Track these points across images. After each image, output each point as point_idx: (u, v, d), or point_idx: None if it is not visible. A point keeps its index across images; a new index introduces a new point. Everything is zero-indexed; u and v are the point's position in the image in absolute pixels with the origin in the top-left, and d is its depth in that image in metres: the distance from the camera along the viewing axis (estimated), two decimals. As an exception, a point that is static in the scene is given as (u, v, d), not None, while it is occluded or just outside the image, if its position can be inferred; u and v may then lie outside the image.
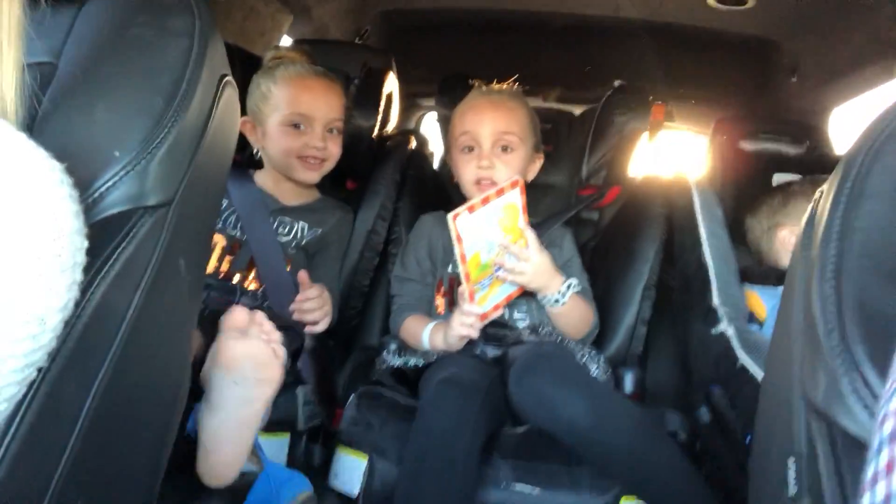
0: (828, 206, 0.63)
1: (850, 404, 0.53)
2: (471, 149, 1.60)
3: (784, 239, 1.61)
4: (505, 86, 1.72)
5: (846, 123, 2.29)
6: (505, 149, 1.58)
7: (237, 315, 1.02)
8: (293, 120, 1.56)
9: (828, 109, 2.32)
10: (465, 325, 1.40)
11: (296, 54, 1.66)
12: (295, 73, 1.58)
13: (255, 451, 1.11)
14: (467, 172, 1.59)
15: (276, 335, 1.05)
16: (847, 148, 0.66)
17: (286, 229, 1.60)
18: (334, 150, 1.61)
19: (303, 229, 1.61)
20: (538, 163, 1.69)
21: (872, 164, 0.61)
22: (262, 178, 1.65)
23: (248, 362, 1.00)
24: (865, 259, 0.58)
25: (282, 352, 1.05)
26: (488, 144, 1.57)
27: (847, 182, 0.62)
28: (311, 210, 1.65)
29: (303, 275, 1.46)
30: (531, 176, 1.68)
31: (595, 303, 1.60)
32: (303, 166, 1.58)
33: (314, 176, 1.61)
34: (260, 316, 1.05)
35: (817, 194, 0.69)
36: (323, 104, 1.58)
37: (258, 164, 1.66)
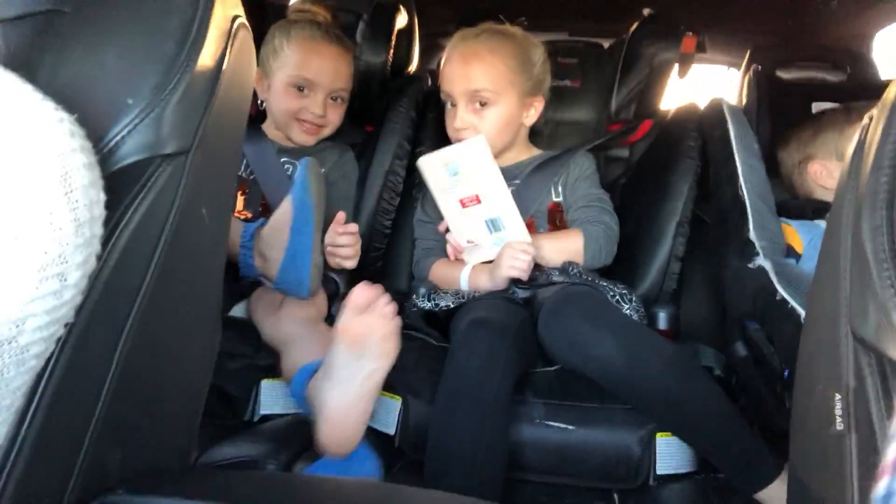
0: (878, 131, 0.59)
1: (902, 337, 0.50)
2: (454, 104, 1.56)
3: (815, 172, 1.55)
4: (487, 25, 1.61)
5: (891, 47, 2.18)
6: (483, 104, 1.53)
7: (362, 293, 1.07)
8: (297, 82, 1.58)
9: (870, 33, 2.21)
10: (515, 265, 1.39)
11: (320, 10, 1.67)
12: (309, 36, 1.59)
13: None
14: (448, 130, 1.58)
15: (394, 313, 1.11)
16: None
17: (293, 170, 1.61)
18: (334, 118, 1.63)
19: None
20: (537, 106, 1.62)
21: None
22: (266, 126, 1.67)
23: (372, 337, 1.07)
24: None
25: (399, 325, 1.11)
26: (463, 103, 1.53)
27: None
28: (312, 152, 1.64)
29: (341, 215, 1.46)
30: (530, 121, 1.63)
31: (620, 232, 1.56)
32: (300, 128, 1.61)
33: (310, 139, 1.63)
34: (383, 298, 1.10)
35: (865, 120, 0.65)
36: (330, 71, 1.59)
37: (262, 116, 1.68)
